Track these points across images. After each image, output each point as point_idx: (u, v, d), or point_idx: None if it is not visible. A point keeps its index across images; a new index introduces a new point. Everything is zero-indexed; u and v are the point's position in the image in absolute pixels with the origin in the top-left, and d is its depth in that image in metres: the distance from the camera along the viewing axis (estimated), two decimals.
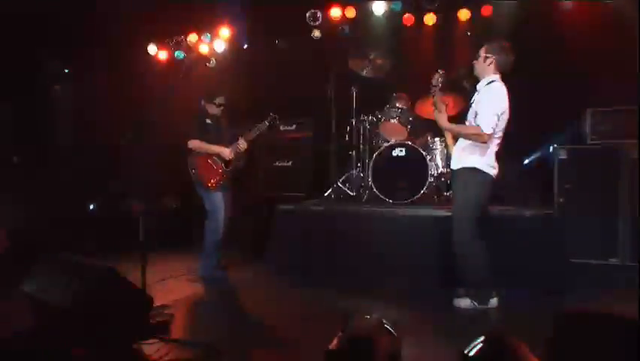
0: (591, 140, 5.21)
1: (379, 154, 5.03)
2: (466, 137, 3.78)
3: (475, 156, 3.68)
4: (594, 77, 5.12)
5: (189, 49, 7.44)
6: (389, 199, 4.93)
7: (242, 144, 4.74)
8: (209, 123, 4.74)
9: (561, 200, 5.22)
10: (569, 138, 5.37)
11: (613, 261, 5.00)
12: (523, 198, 5.25)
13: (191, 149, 4.62)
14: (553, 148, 5.33)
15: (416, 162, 4.90)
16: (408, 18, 6.49)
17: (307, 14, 6.82)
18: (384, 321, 2.10)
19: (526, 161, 5.87)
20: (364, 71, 5.49)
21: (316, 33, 6.95)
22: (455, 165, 3.81)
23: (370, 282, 4.36)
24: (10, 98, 5.03)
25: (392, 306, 3.89)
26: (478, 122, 3.60)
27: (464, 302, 3.76)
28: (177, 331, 3.25)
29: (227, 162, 4.71)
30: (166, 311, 3.44)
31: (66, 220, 4.98)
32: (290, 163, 6.14)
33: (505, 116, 3.65)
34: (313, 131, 5.99)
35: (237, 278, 4.75)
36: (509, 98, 3.66)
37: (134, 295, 2.90)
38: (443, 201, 5.01)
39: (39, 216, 4.71)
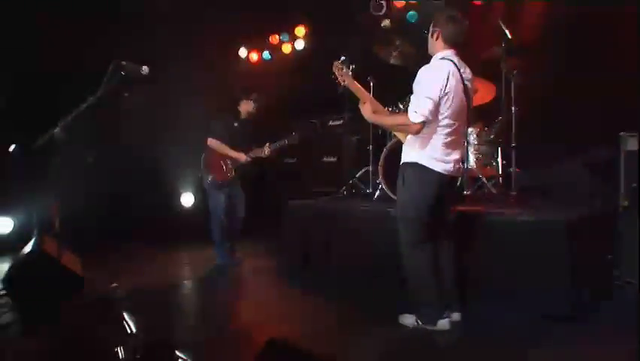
0: None
1: (389, 149, 4.60)
2: (396, 129, 3.27)
3: (415, 150, 3.14)
4: None
5: (273, 49, 7.85)
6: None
7: (266, 151, 4.91)
8: (234, 126, 4.95)
9: (626, 203, 4.05)
10: None
11: None
12: (574, 200, 4.22)
13: (209, 146, 4.90)
14: (620, 137, 4.14)
15: None
16: None
17: (371, 5, 6.56)
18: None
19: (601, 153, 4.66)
20: (391, 59, 5.05)
21: (386, 22, 6.67)
22: (402, 160, 3.31)
23: (356, 286, 4.10)
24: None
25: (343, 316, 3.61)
26: (409, 109, 3.08)
27: (409, 319, 3.26)
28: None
29: (238, 167, 4.88)
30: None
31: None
32: (335, 159, 6.01)
33: (453, 98, 3.01)
34: (351, 125, 5.74)
35: (244, 270, 4.97)
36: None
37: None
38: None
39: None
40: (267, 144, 4.91)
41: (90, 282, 3.70)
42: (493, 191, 4.30)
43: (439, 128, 3.07)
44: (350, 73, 3.41)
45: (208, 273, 4.81)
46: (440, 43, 3.13)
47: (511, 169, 4.42)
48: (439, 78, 2.99)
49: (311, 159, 6.33)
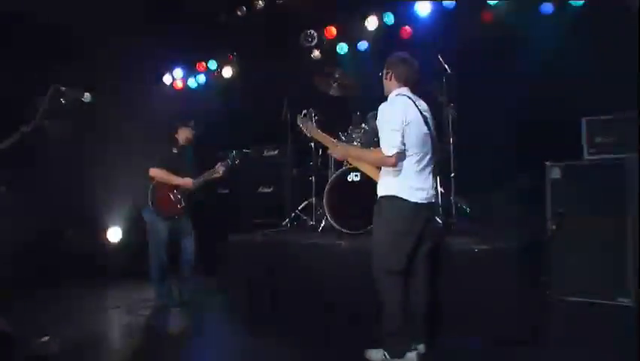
0: (589, 154, 4.35)
1: (334, 180, 4.64)
2: (371, 163, 3.39)
3: (389, 182, 3.21)
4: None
5: (200, 76, 7.65)
6: (343, 229, 4.51)
7: (220, 170, 4.70)
8: (174, 152, 4.71)
9: (553, 227, 4.40)
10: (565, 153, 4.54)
11: (623, 301, 4.08)
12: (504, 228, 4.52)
13: (152, 177, 4.59)
14: (545, 166, 4.53)
15: (372, 188, 4.40)
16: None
17: (302, 35, 6.65)
18: None
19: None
20: (331, 90, 5.13)
21: (316, 53, 6.78)
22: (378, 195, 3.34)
23: (308, 323, 4.02)
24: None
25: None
26: (381, 144, 3.15)
27: (376, 354, 3.24)
28: None
29: (187, 195, 4.64)
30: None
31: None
32: (271, 189, 5.94)
33: (414, 128, 3.14)
34: (292, 156, 5.71)
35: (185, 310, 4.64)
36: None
37: None
38: None
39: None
40: (219, 164, 4.72)
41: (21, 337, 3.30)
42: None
43: (408, 159, 3.16)
44: (314, 124, 3.49)
45: (147, 316, 4.46)
46: (394, 82, 3.30)
47: (451, 198, 4.63)
48: (397, 111, 3.14)
49: (245, 189, 6.18)
